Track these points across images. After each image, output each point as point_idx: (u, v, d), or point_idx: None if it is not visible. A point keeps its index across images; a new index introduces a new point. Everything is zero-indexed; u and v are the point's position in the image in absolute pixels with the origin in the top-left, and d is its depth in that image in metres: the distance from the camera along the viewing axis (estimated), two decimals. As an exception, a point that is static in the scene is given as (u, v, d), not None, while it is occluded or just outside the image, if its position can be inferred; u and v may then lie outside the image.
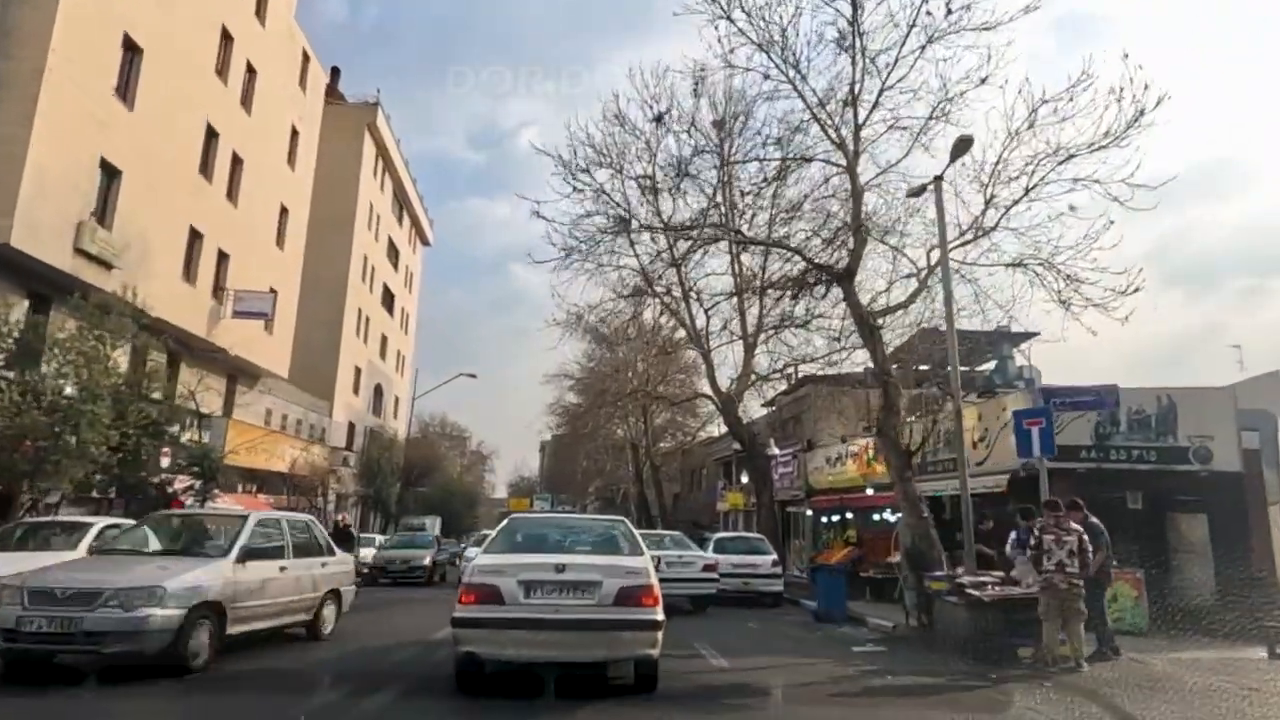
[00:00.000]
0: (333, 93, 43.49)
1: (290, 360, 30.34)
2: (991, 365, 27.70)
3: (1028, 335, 21.62)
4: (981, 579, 8.90)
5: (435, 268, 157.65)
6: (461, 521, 47.34)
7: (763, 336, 24.13)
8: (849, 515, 22.23)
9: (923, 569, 10.02)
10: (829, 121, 12.05)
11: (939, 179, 11.26)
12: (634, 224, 15.14)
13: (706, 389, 31.25)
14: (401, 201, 49.94)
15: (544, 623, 6.21)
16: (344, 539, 17.73)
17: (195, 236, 21.40)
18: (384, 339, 46.60)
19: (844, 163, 11.92)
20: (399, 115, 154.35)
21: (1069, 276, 11.28)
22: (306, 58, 29.56)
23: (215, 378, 23.98)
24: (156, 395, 15.79)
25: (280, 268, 27.33)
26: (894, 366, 21.38)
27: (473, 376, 39.64)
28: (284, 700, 6.52)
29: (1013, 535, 9.68)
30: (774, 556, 16.46)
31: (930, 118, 12.08)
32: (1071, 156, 11.02)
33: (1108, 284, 11.03)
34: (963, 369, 28.09)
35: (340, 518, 25.09)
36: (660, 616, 6.41)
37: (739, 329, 24.89)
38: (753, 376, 23.34)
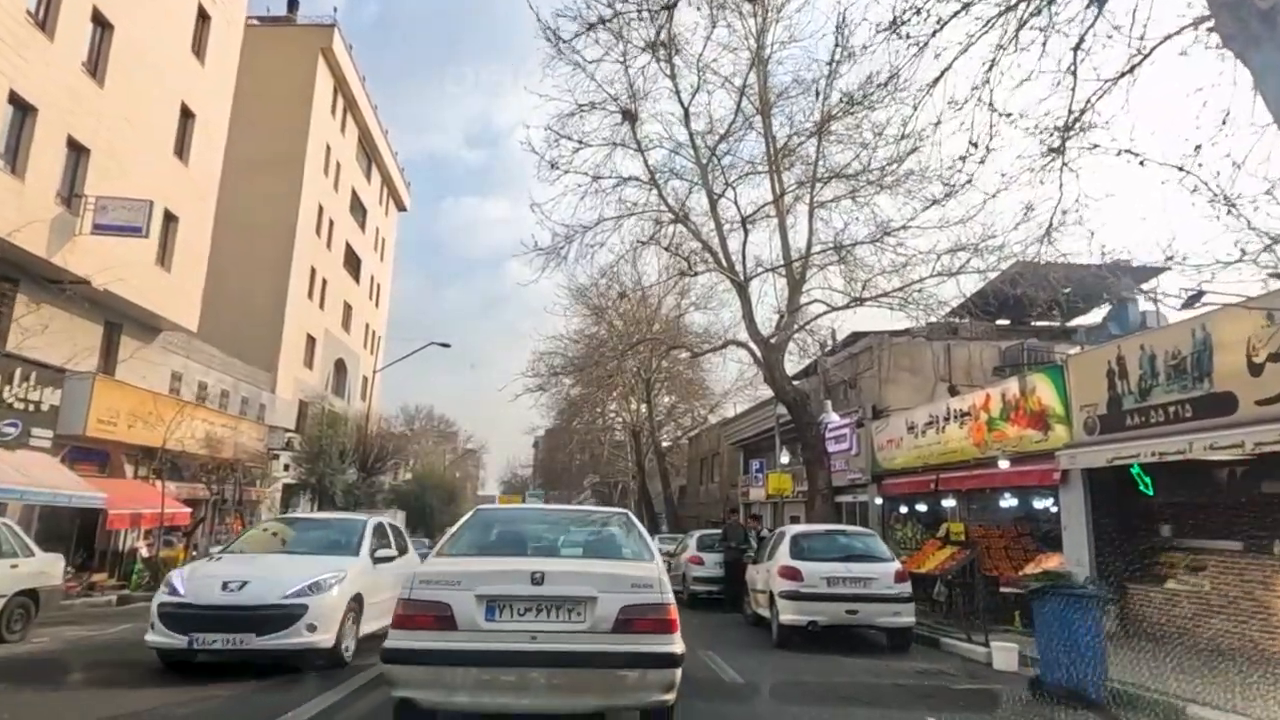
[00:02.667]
0: (286, 19, 37.65)
1: (214, 316, 24.32)
2: (1103, 312, 21.74)
3: (1155, 270, 15.03)
4: None
5: (432, 267, 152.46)
6: (437, 518, 41.15)
7: (815, 264, 18.13)
8: (946, 504, 16.09)
9: None
10: None
11: None
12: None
13: (718, 350, 25.68)
14: (369, 153, 43.57)
15: (514, 657, 4.33)
16: None
17: (23, 110, 15.06)
18: (347, 307, 40.21)
19: None
20: (397, 113, 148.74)
21: None
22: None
23: (78, 320, 17.71)
24: None
25: (182, 186, 20.98)
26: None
27: (446, 345, 34.13)
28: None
29: None
30: (897, 565, 9.93)
31: None
32: None
33: None
34: (1046, 324, 22.14)
35: None
36: (680, 648, 4.53)
37: (771, 265, 18.95)
38: (813, 307, 17.25)
